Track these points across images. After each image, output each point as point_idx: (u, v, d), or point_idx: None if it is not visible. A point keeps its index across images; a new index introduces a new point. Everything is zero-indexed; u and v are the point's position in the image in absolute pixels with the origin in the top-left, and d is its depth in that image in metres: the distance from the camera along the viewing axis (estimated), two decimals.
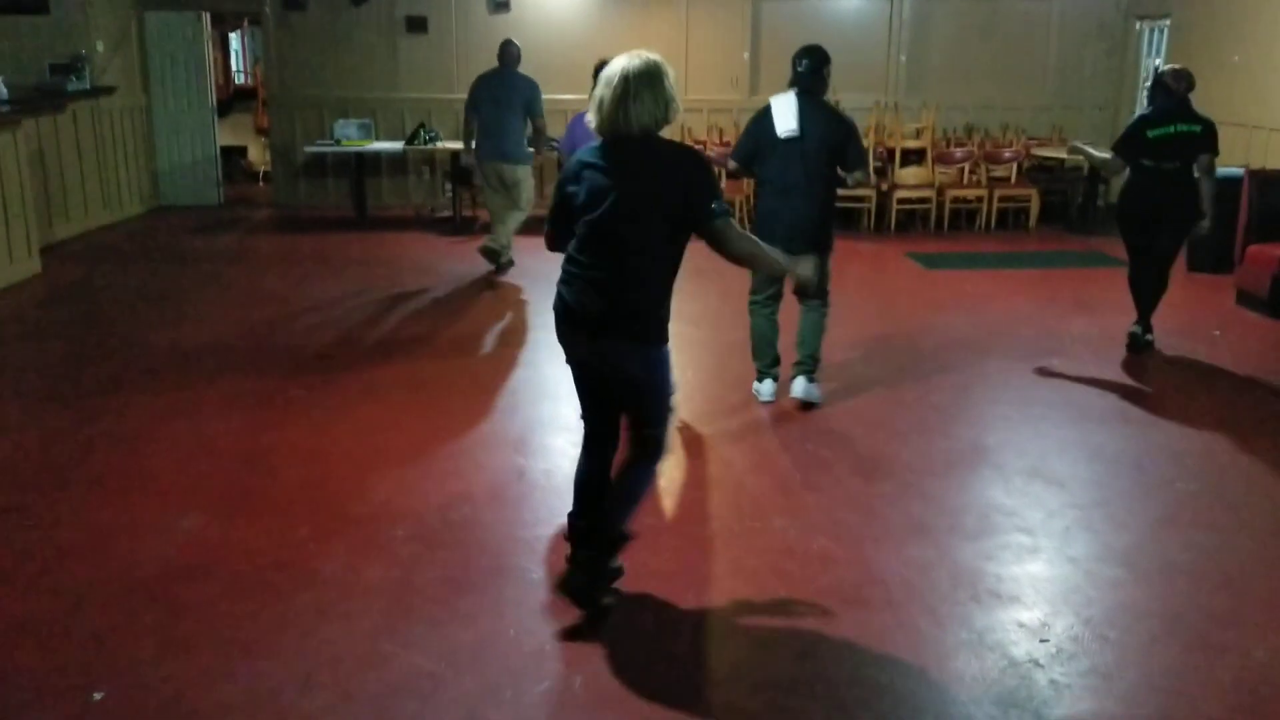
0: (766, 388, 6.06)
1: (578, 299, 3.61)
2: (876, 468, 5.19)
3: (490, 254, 9.25)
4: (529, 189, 9.24)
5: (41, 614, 3.76)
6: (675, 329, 3.71)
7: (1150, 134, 6.90)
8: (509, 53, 9.15)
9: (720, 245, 3.62)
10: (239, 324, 7.75)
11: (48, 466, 5.12)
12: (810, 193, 5.72)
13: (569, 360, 3.78)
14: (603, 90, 3.54)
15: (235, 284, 9.13)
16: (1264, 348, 7.36)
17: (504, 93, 9.00)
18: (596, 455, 3.89)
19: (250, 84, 16.71)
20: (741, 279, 5.91)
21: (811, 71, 5.78)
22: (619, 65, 3.54)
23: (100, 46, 11.37)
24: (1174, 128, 6.85)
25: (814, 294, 5.89)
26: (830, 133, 5.73)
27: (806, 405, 5.95)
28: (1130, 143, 6.99)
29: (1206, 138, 6.85)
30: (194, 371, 6.58)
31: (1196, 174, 6.88)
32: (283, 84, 12.70)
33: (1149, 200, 6.97)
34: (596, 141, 3.67)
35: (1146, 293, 7.17)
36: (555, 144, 10.17)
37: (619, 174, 3.53)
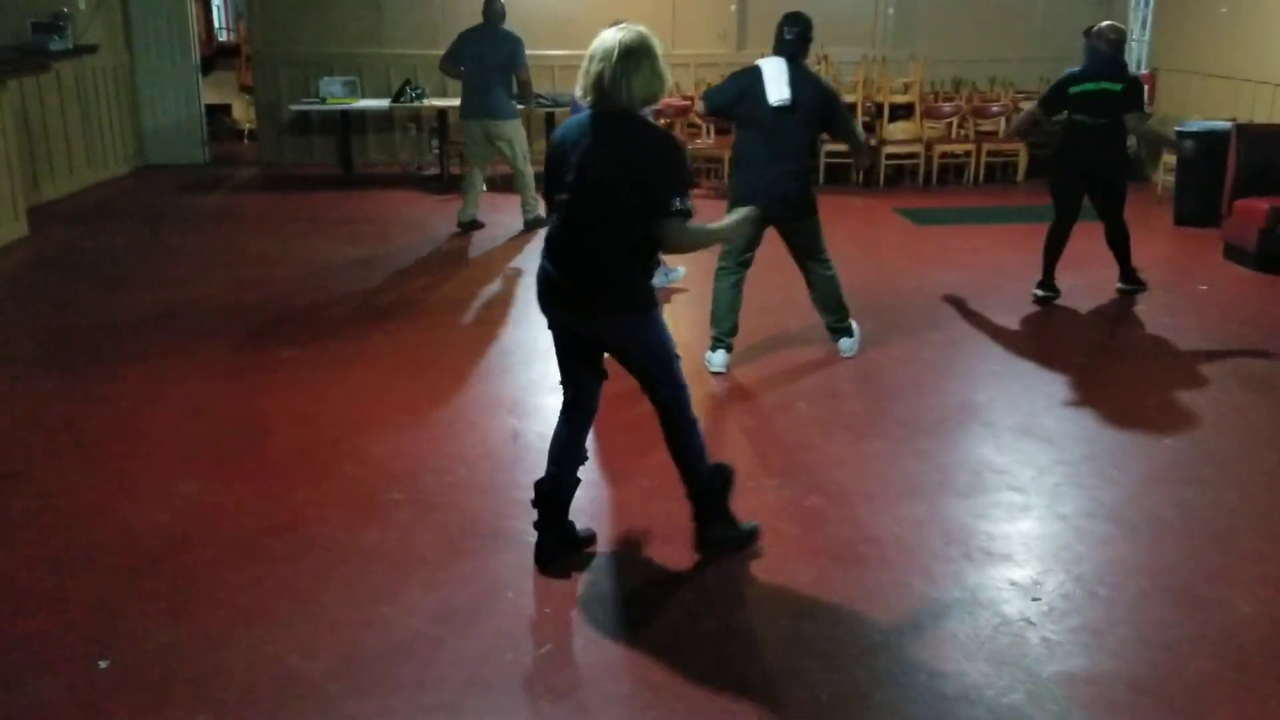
0: (718, 358, 5.91)
1: (556, 271, 3.66)
2: (868, 426, 5.23)
3: (468, 225, 9.43)
4: (521, 144, 9.26)
5: (43, 582, 3.79)
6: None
7: (1072, 90, 6.98)
8: (494, 9, 9.10)
9: (661, 240, 3.60)
10: (228, 286, 7.72)
11: (41, 433, 5.12)
12: (797, 161, 5.74)
13: (551, 327, 3.84)
14: (599, 65, 3.50)
15: (223, 245, 9.08)
16: (1251, 302, 7.41)
17: (489, 50, 8.97)
18: (573, 423, 3.92)
19: (233, 40, 16.52)
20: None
21: (799, 38, 5.78)
22: (614, 39, 3.51)
23: (82, 4, 11.22)
24: (1096, 84, 6.87)
25: (807, 254, 5.99)
26: (820, 102, 5.76)
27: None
28: (1052, 97, 7.12)
29: (1126, 95, 6.86)
30: (185, 334, 6.57)
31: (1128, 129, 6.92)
32: (266, 41, 12.55)
33: (1076, 157, 7.06)
34: (586, 112, 3.65)
35: (1059, 251, 7.26)
36: (543, 99, 10.12)
37: (602, 149, 3.54)
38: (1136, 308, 7.16)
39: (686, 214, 3.56)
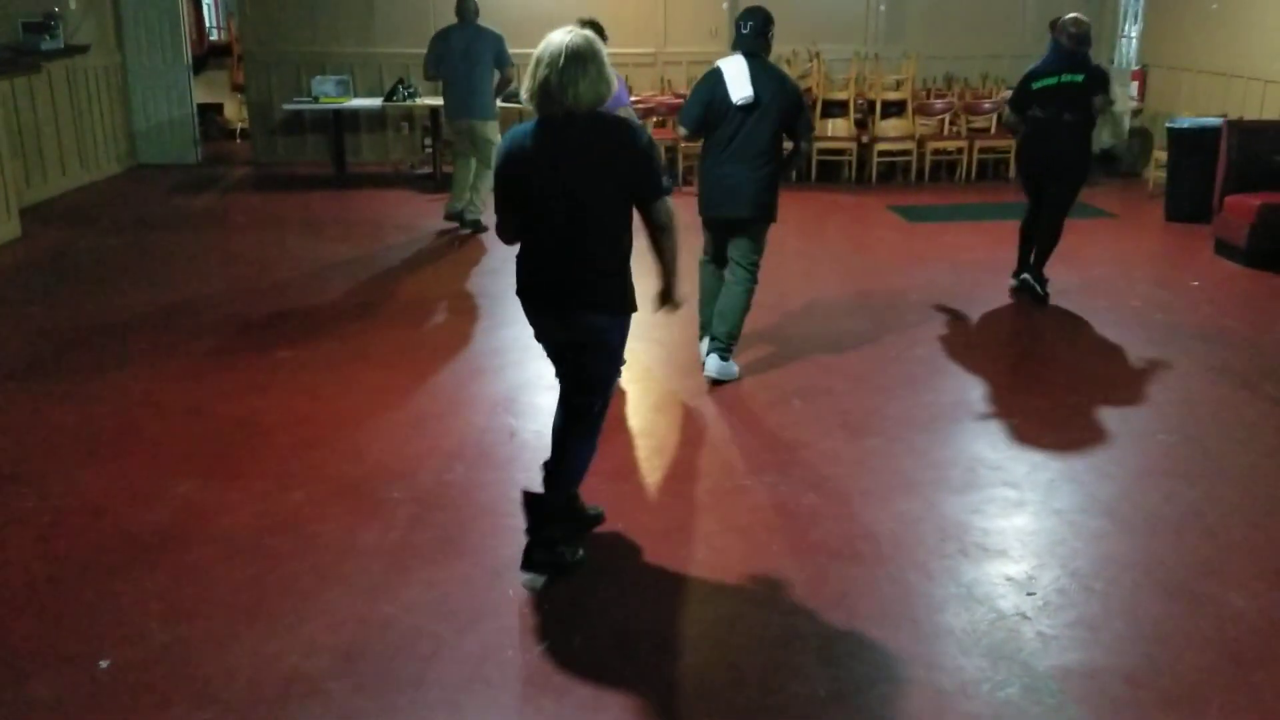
0: (713, 361, 5.78)
1: (541, 276, 3.69)
2: (863, 423, 5.25)
3: (454, 216, 9.37)
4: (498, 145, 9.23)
5: (44, 583, 3.80)
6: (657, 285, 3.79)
7: (1034, 85, 6.97)
8: (468, 7, 9.13)
9: (657, 217, 3.63)
10: (222, 285, 7.73)
11: (38, 434, 5.12)
12: (763, 160, 5.62)
13: (537, 335, 3.87)
14: (546, 70, 3.47)
15: (216, 245, 9.09)
16: (1241, 298, 7.45)
17: (475, 47, 8.97)
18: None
19: (224, 40, 16.50)
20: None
21: (756, 34, 5.65)
22: (560, 43, 3.48)
23: (73, 3, 11.20)
24: (1058, 78, 6.87)
25: (742, 257, 5.75)
26: (784, 99, 5.63)
27: (717, 382, 5.73)
28: (1019, 95, 7.10)
29: (1089, 85, 6.84)
30: (180, 334, 6.58)
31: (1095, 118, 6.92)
32: (258, 40, 12.56)
33: (1040, 151, 7.05)
34: (530, 123, 3.62)
35: (1032, 242, 7.27)
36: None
37: (565, 152, 3.54)
38: (1129, 304, 7.19)
39: (671, 189, 3.68)
